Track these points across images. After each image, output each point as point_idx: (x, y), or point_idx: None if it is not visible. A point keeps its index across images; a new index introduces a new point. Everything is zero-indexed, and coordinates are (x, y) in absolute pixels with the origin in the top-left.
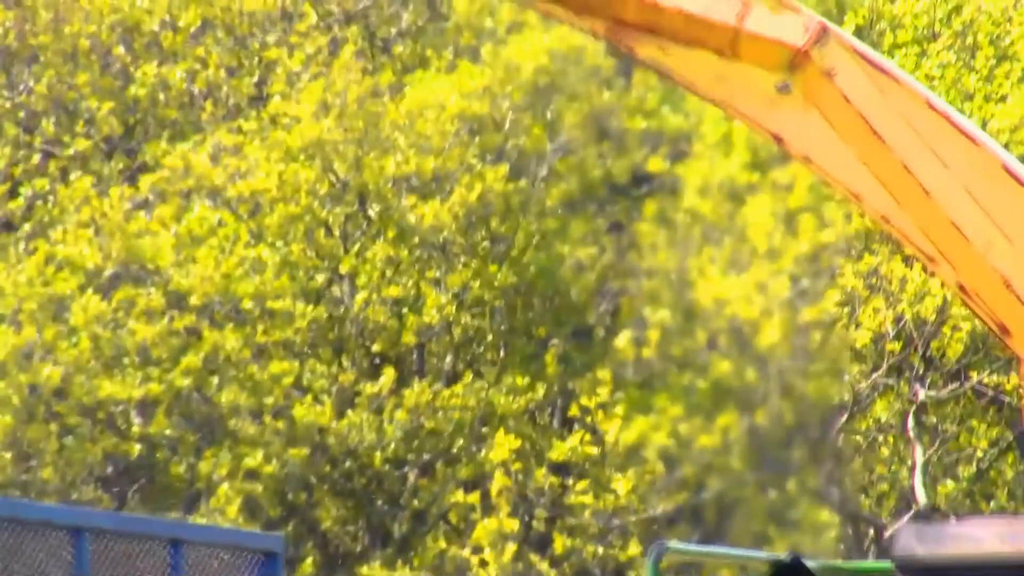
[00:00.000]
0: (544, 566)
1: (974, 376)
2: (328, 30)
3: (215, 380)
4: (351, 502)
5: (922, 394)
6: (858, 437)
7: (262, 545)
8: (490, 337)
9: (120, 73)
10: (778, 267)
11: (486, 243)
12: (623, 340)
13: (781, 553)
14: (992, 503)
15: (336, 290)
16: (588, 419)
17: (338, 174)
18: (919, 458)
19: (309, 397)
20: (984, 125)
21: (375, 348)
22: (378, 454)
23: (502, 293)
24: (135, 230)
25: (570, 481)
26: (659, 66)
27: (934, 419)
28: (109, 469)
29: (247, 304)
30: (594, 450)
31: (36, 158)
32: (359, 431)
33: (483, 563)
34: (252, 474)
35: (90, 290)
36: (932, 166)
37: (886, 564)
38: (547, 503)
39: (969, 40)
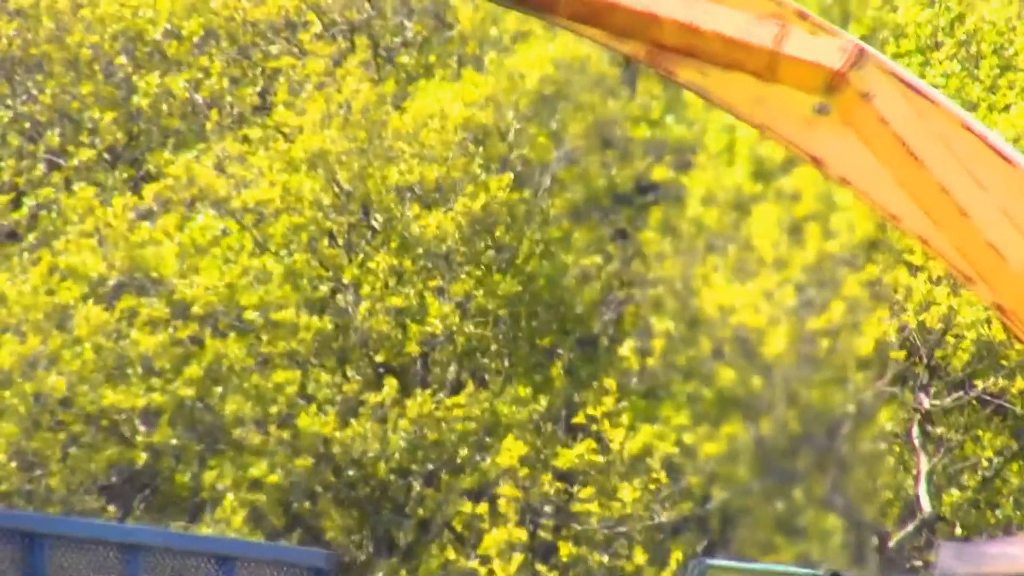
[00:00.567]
0: (553, 575)
1: (979, 385)
2: (333, 40)
3: (219, 390)
4: (356, 512)
5: (927, 403)
6: (864, 446)
7: (310, 561)
8: (494, 347)
9: (123, 83)
10: (784, 276)
11: (490, 252)
12: (628, 349)
13: (818, 571)
14: (998, 512)
15: (340, 300)
16: (594, 427)
17: (342, 184)
18: (924, 467)
19: (313, 407)
20: None
21: (379, 358)
22: (382, 464)
23: (506, 302)
24: (139, 240)
25: (575, 489)
26: (699, 89)
27: (939, 428)
28: (114, 478)
29: (251, 314)
30: (600, 458)
31: (40, 168)
32: (363, 441)
33: (491, 573)
34: (256, 484)
35: (93, 300)
36: (969, 187)
37: None
38: (553, 511)
39: (973, 49)
